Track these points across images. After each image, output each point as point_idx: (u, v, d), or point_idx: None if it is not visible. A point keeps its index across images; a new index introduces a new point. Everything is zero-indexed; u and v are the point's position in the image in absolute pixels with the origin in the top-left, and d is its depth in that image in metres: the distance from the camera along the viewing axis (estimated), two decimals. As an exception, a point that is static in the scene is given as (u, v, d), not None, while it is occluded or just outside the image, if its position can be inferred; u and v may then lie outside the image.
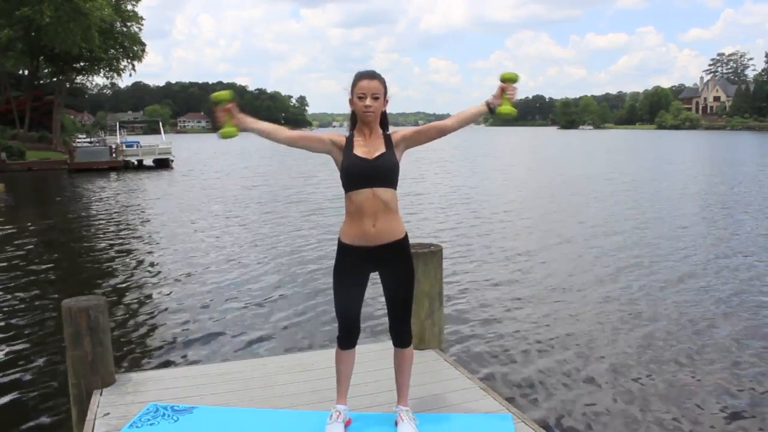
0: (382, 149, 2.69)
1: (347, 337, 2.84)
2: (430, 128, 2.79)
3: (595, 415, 4.98)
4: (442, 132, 2.77)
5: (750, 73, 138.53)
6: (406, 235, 2.78)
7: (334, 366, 2.90)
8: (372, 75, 2.66)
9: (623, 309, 7.78)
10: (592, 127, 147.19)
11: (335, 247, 2.79)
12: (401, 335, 2.84)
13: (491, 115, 2.82)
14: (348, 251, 2.73)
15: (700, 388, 5.48)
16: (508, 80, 2.71)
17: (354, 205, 2.67)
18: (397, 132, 2.78)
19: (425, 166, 32.52)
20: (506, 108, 2.71)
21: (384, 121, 2.78)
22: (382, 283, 2.81)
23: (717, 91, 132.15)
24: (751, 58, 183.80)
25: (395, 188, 2.73)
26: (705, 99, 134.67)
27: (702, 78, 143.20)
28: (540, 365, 6.01)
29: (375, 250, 2.69)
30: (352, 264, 2.74)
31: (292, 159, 39.12)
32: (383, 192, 2.66)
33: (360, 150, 2.68)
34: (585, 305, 7.99)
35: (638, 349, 6.41)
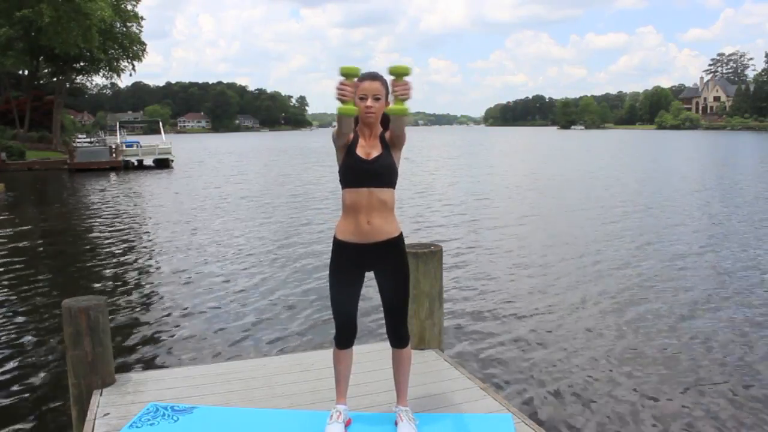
0: (380, 150, 2.71)
1: (344, 336, 2.84)
2: (390, 132, 2.74)
3: (595, 414, 4.98)
4: (394, 136, 2.70)
5: (750, 73, 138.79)
6: (401, 234, 2.79)
7: (333, 360, 2.91)
8: (373, 76, 2.67)
9: (626, 308, 7.78)
10: (583, 127, 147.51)
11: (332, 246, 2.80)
12: (398, 336, 2.84)
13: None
14: (342, 248, 2.74)
15: (702, 387, 5.47)
16: (397, 74, 2.42)
17: (349, 201, 2.70)
18: (387, 133, 2.77)
19: (421, 166, 32.54)
20: (396, 107, 2.47)
21: (386, 121, 2.77)
22: (378, 283, 2.80)
23: (717, 91, 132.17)
24: (751, 58, 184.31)
25: (393, 188, 2.74)
26: (705, 99, 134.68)
27: (702, 78, 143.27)
28: (540, 365, 6.01)
29: (369, 248, 2.70)
30: (347, 261, 2.75)
31: (291, 159, 39.16)
32: (380, 192, 2.68)
33: (360, 150, 2.70)
34: (586, 304, 7.99)
35: (640, 349, 6.41)
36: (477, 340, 6.70)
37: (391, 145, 2.74)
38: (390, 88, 2.50)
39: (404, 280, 2.79)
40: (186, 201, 20.14)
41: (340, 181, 2.73)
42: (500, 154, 48.17)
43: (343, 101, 2.46)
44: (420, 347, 3.80)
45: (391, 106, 2.50)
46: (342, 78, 2.44)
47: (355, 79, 2.49)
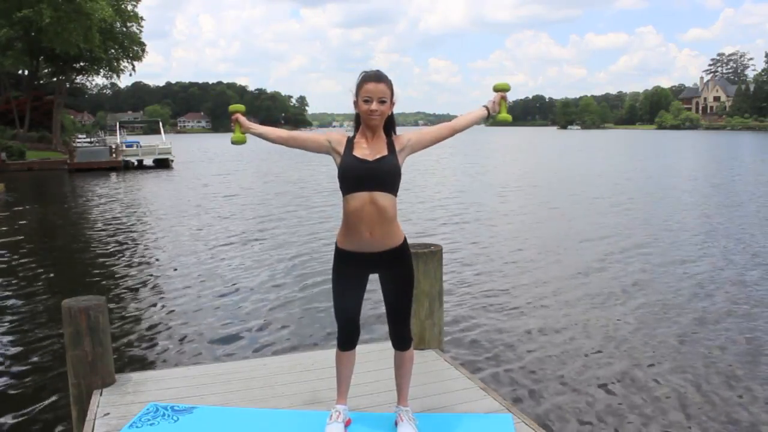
0: (384, 152, 2.62)
1: (347, 338, 2.82)
2: (436, 130, 2.77)
3: (594, 414, 4.98)
4: (449, 133, 2.76)
5: (750, 73, 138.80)
6: (405, 240, 2.73)
7: (334, 366, 2.88)
8: (379, 77, 2.58)
9: (628, 308, 7.78)
10: (579, 127, 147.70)
11: (333, 248, 2.77)
12: (401, 338, 2.82)
13: (488, 120, 2.94)
14: (345, 257, 2.69)
15: (707, 387, 5.47)
16: (503, 90, 2.89)
17: (350, 210, 2.58)
18: (401, 136, 2.71)
19: (421, 166, 32.52)
20: (504, 115, 2.92)
21: (390, 124, 2.70)
22: (382, 287, 2.77)
23: (717, 91, 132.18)
24: (751, 58, 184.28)
25: (395, 194, 2.64)
26: (705, 99, 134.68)
27: (702, 78, 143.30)
28: (540, 365, 6.01)
29: (373, 256, 2.65)
30: (350, 268, 2.70)
31: (293, 159, 39.15)
32: (381, 197, 2.58)
33: (360, 152, 2.61)
34: (586, 305, 7.99)
35: (639, 348, 6.41)
36: (477, 340, 6.70)
37: (412, 150, 2.72)
38: (498, 100, 2.85)
39: (409, 285, 2.75)
40: (186, 201, 20.14)
41: (340, 186, 2.62)
42: (498, 155, 48.15)
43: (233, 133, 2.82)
44: (420, 347, 3.80)
45: (501, 114, 2.90)
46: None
47: (238, 115, 2.82)
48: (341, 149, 2.65)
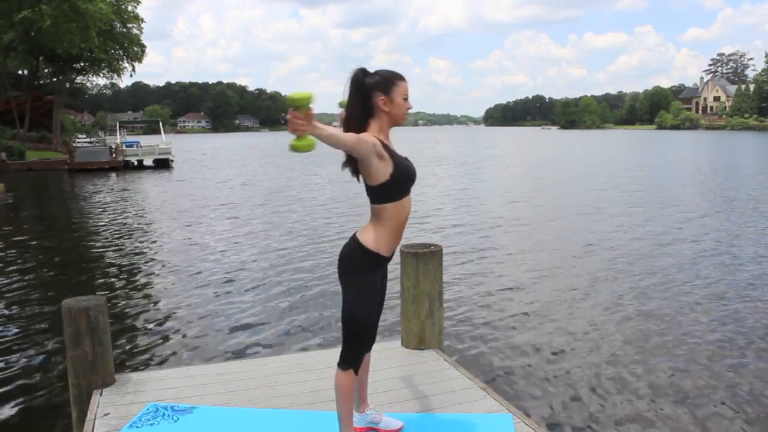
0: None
1: (364, 354, 2.70)
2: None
3: (595, 414, 4.98)
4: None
5: (750, 73, 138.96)
6: None
7: (334, 366, 2.65)
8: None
9: (627, 307, 7.78)
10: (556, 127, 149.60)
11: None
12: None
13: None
14: (382, 263, 2.53)
15: (701, 385, 5.47)
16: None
17: (404, 213, 2.49)
18: None
19: (422, 165, 32.53)
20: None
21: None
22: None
23: (717, 91, 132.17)
24: (751, 58, 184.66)
25: None
26: (705, 99, 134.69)
27: (702, 78, 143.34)
28: (540, 365, 6.01)
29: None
30: (379, 274, 2.58)
31: (290, 159, 39.14)
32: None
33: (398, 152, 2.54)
34: (587, 305, 7.98)
35: (642, 348, 6.41)
36: (477, 340, 6.70)
37: None
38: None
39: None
40: (185, 201, 20.14)
41: (393, 192, 2.43)
42: (495, 155, 48.16)
43: (297, 136, 2.00)
44: (420, 347, 3.81)
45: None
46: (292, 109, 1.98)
47: (310, 111, 2.00)
48: (384, 152, 2.42)
